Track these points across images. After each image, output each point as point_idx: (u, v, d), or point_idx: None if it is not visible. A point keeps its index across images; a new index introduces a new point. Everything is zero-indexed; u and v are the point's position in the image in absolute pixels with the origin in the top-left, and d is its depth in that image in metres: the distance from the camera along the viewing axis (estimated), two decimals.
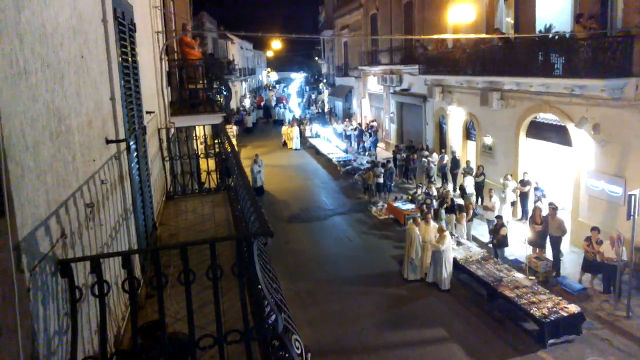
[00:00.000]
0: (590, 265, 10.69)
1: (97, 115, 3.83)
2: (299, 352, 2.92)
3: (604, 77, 10.64)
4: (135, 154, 5.33)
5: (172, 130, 9.46)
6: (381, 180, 18.35)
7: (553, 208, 11.89)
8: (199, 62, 11.15)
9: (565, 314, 9.00)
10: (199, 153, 10.89)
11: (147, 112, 6.79)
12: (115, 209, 4.22)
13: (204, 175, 9.65)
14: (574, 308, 9.19)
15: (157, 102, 8.43)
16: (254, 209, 3.90)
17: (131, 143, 5.04)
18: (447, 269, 11.21)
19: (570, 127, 12.64)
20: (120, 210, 4.44)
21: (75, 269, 2.75)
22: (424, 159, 19.34)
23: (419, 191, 16.51)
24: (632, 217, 9.37)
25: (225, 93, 11.52)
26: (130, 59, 5.37)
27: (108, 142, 4.08)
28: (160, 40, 9.57)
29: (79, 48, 3.41)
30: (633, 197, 9.36)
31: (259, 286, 3.05)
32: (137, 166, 5.39)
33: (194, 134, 11.42)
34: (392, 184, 19.17)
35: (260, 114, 46.25)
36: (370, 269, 12.83)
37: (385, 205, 17.18)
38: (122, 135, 4.64)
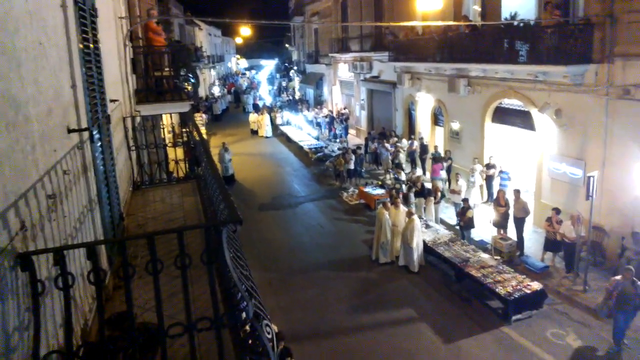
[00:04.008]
0: (551, 244, 11.18)
1: (57, 104, 3.71)
2: (269, 337, 2.95)
3: (566, 63, 10.98)
4: (99, 143, 5.19)
5: (138, 119, 9.24)
6: (352, 166, 18.52)
7: (517, 191, 12.30)
8: (165, 49, 10.87)
9: (528, 292, 9.41)
10: (167, 142, 10.67)
11: (111, 101, 6.59)
12: (79, 200, 4.12)
13: (172, 165, 9.50)
14: (536, 285, 9.61)
15: (122, 90, 8.20)
16: (223, 197, 3.89)
17: (94, 132, 4.91)
18: (416, 252, 11.47)
19: (534, 112, 13.03)
20: (84, 201, 4.34)
21: (38, 262, 2.69)
22: (387, 146, 19.63)
23: (388, 176, 16.76)
24: (590, 198, 9.81)
25: (192, 81, 11.29)
26: (92, 45, 5.19)
27: (70, 131, 3.96)
28: (124, 27, 9.26)
29: (36, 34, 3.29)
30: (592, 178, 9.79)
31: (229, 274, 3.06)
32: (102, 156, 5.26)
33: (160, 123, 11.16)
34: (363, 170, 19.40)
35: (231, 98, 46.05)
36: (341, 254, 12.99)
37: (356, 191, 17.37)
38: (84, 124, 4.51)
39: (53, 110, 3.57)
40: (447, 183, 16.45)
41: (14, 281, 2.50)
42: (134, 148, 8.49)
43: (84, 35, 4.86)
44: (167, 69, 10.80)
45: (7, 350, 2.36)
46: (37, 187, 2.98)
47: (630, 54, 10.12)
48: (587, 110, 11.42)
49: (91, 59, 5.11)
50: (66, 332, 2.67)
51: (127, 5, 10.58)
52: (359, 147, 20.22)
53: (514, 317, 9.32)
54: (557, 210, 11.12)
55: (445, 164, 16.57)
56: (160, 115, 11.04)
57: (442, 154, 17.14)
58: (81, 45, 4.70)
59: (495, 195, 13.44)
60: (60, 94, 3.84)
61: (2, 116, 2.55)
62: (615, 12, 10.35)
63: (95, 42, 5.50)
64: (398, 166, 17.54)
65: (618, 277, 8.44)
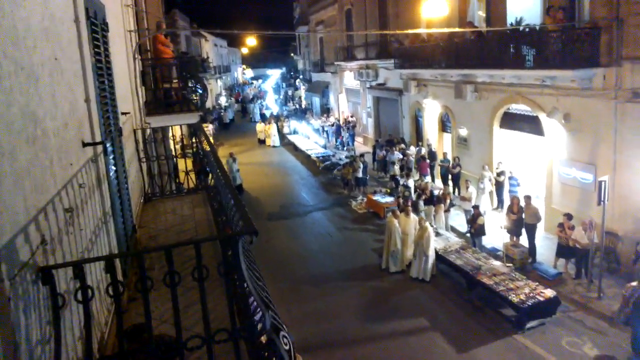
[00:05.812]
0: (563, 250, 11.05)
1: (72, 117, 3.75)
2: (287, 348, 2.93)
3: (573, 67, 10.94)
4: (112, 156, 5.24)
5: (148, 131, 9.31)
6: (360, 174, 18.50)
7: (528, 197, 12.21)
8: (173, 61, 10.97)
9: (541, 299, 9.29)
10: (176, 153, 10.74)
11: (123, 113, 6.67)
12: (94, 213, 4.15)
13: (182, 176, 9.55)
14: (549, 292, 9.49)
15: (132, 103, 8.28)
16: (238, 207, 3.89)
17: (108, 145, 4.96)
18: (428, 261, 11.37)
19: (542, 117, 12.97)
20: (99, 214, 4.37)
21: (57, 276, 2.70)
22: (396, 153, 19.63)
23: (394, 184, 16.72)
24: (602, 203, 9.71)
25: (200, 91, 11.36)
26: (104, 59, 5.27)
27: (85, 145, 4.00)
28: (133, 40, 9.38)
29: (52, 50, 3.34)
30: (603, 183, 9.69)
31: (245, 285, 3.05)
32: (115, 168, 5.30)
33: (170, 134, 11.25)
34: (367, 177, 19.36)
35: (238, 107, 46.69)
36: (351, 263, 12.93)
37: (365, 199, 17.33)
38: (98, 138, 4.56)
39: (69, 124, 3.61)
40: (457, 190, 16.39)
41: (36, 295, 2.52)
42: (144, 160, 8.55)
43: (96, 50, 4.93)
44: (175, 81, 10.90)
45: None
46: (55, 201, 3.00)
47: (638, 56, 10.07)
48: (596, 114, 11.35)
49: (103, 73, 5.18)
50: (86, 344, 2.67)
51: (136, 19, 10.72)
52: (362, 155, 20.23)
53: (527, 325, 9.21)
54: (568, 216, 11.02)
55: (454, 171, 16.54)
56: (169, 127, 11.13)
57: (451, 161, 17.11)
58: (94, 60, 4.76)
59: (506, 202, 13.34)
60: (75, 108, 3.88)
61: (23, 131, 2.58)
62: (622, 15, 10.31)
63: (107, 55, 5.58)
64: (393, 177, 17.64)
65: (634, 284, 8.31)
